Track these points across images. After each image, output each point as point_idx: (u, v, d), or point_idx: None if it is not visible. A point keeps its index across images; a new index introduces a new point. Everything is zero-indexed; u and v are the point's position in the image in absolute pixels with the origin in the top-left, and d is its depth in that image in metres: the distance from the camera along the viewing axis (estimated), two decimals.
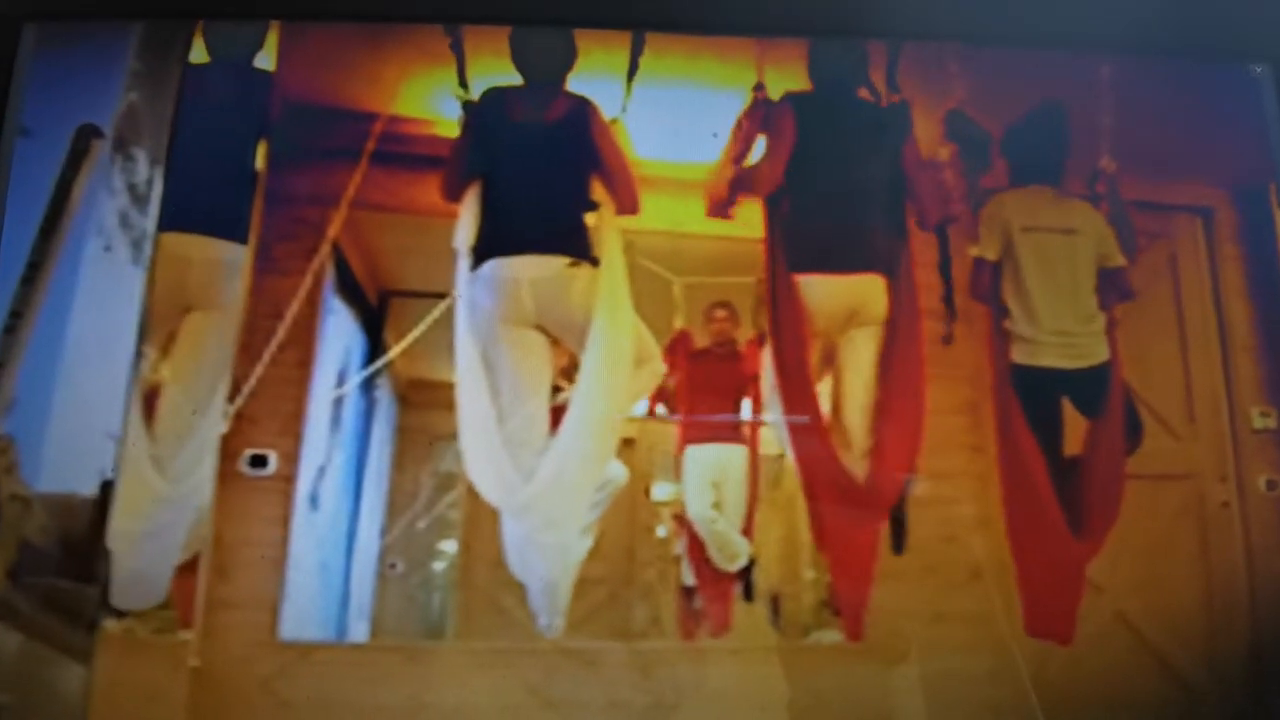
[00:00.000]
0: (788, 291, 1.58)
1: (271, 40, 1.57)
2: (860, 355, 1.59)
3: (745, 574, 1.64)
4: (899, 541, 1.52)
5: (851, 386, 1.59)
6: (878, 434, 1.55)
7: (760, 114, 1.62)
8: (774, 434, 1.63)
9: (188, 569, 1.42)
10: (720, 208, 1.62)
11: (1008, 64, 1.61)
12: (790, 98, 1.63)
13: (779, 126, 1.62)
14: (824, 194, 1.62)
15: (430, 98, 1.61)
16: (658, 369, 1.60)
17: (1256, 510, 1.58)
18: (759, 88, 1.62)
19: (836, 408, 1.58)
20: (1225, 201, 1.74)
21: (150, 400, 1.45)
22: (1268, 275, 1.67)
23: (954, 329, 1.61)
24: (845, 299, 1.60)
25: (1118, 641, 1.52)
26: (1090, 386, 1.61)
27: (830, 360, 1.61)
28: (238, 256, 1.51)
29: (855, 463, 1.55)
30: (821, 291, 1.59)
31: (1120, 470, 1.58)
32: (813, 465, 1.54)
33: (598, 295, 1.55)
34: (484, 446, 1.50)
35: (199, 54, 1.53)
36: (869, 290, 1.60)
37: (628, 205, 1.59)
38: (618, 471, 1.57)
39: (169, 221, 1.44)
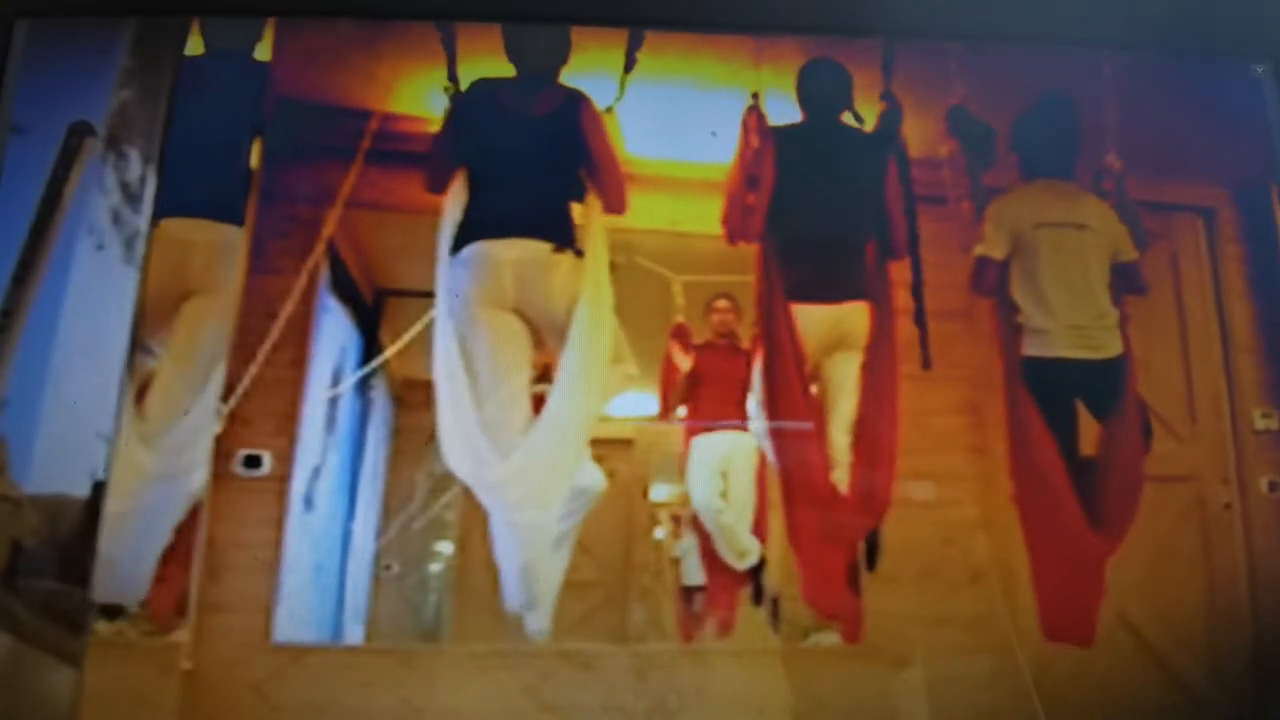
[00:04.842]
0: (783, 317, 1.60)
1: (266, 36, 1.56)
2: (845, 376, 1.61)
3: (755, 575, 1.62)
4: (872, 560, 1.53)
5: (837, 405, 1.60)
6: (858, 451, 1.57)
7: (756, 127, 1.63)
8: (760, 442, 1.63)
9: (170, 567, 1.41)
10: (739, 235, 1.62)
11: (1009, 61, 1.61)
12: (772, 132, 1.63)
13: (761, 166, 1.62)
14: (811, 223, 1.64)
15: (426, 95, 1.60)
16: (630, 371, 1.59)
17: (1258, 512, 1.58)
18: (753, 108, 1.62)
19: (821, 424, 1.60)
20: (1227, 201, 1.74)
21: (145, 387, 1.44)
22: (1269, 276, 1.66)
23: (930, 352, 1.62)
24: (833, 326, 1.63)
25: (1119, 644, 1.52)
26: (1105, 381, 1.60)
27: (815, 380, 1.63)
28: (236, 240, 1.51)
29: (839, 477, 1.57)
30: (812, 319, 1.62)
31: (1139, 468, 1.58)
32: (797, 473, 1.56)
33: (581, 288, 1.54)
34: (459, 426, 1.48)
35: (194, 47, 1.52)
36: (855, 317, 1.63)
37: (615, 204, 1.59)
38: (594, 479, 1.54)
39: (166, 208, 1.44)
